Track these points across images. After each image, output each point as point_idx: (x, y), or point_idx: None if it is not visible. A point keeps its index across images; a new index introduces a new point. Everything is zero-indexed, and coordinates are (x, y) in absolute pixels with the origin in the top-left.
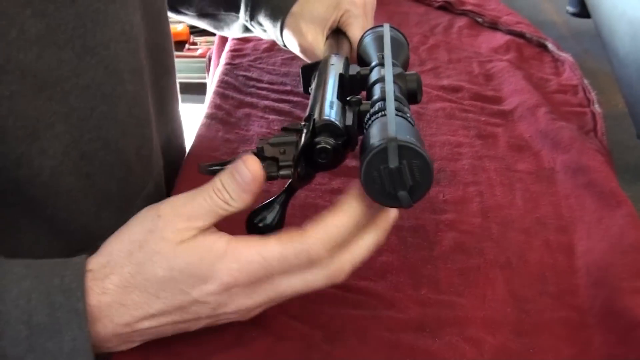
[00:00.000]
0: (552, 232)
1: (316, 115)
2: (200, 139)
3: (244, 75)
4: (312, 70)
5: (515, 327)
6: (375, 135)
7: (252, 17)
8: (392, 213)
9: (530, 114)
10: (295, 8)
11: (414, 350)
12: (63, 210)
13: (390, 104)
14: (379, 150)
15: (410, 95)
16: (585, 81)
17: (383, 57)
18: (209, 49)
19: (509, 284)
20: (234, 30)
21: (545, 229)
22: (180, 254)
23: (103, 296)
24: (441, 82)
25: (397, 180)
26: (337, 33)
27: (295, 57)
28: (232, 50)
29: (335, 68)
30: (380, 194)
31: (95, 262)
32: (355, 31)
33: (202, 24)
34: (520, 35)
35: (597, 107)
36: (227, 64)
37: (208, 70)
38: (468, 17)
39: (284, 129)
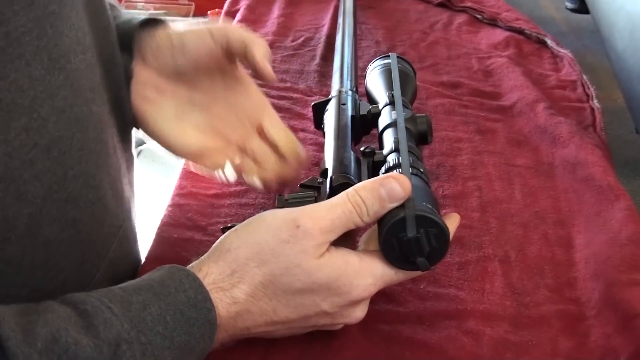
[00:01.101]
0: (551, 225)
1: (332, 172)
2: None
3: None
4: (323, 107)
5: (513, 320)
6: None
7: None
8: None
9: (529, 110)
10: None
11: (413, 343)
12: (40, 269)
13: (406, 167)
14: (397, 220)
15: (421, 137)
16: (585, 77)
17: (393, 96)
18: None
19: (508, 277)
20: None
21: (543, 222)
22: (321, 269)
23: (233, 306)
24: (440, 78)
25: (416, 248)
26: None
27: (294, 55)
28: None
29: (346, 109)
30: (398, 259)
31: (217, 272)
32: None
33: None
34: (520, 31)
35: (596, 103)
36: None
37: None
38: (467, 14)
39: (302, 186)
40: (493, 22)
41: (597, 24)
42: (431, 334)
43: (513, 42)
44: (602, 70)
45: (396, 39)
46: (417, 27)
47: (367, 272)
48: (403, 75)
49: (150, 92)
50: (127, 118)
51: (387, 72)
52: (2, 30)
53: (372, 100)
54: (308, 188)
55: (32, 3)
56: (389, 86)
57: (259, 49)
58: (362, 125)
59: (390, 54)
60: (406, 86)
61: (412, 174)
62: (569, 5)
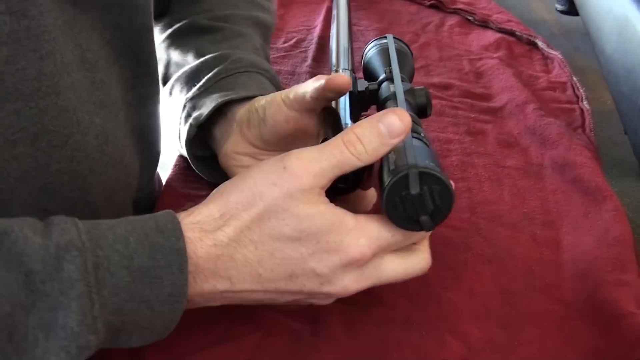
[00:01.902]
0: (539, 226)
1: None
2: None
3: None
4: None
5: (501, 320)
6: (394, 160)
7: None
8: None
9: (519, 111)
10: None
11: (401, 344)
12: None
13: (402, 100)
14: (400, 177)
15: (420, 109)
16: (575, 78)
17: (391, 72)
18: None
19: (496, 278)
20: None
21: (532, 223)
22: (312, 218)
23: (214, 248)
24: (432, 79)
25: (419, 206)
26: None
27: (286, 56)
28: None
29: None
30: (402, 218)
31: (205, 213)
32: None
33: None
34: (511, 33)
35: (585, 104)
36: None
37: None
38: (459, 16)
39: None
40: (484, 24)
41: (586, 26)
42: (419, 335)
43: (504, 43)
44: (592, 72)
45: None
46: (409, 28)
47: (360, 232)
48: (400, 53)
49: (247, 160)
50: (155, 146)
51: (384, 51)
52: (24, 23)
53: (370, 80)
54: None
55: (60, 12)
56: (387, 63)
57: (315, 80)
58: (360, 101)
59: (386, 35)
60: (404, 64)
61: (413, 137)
62: (559, 7)
